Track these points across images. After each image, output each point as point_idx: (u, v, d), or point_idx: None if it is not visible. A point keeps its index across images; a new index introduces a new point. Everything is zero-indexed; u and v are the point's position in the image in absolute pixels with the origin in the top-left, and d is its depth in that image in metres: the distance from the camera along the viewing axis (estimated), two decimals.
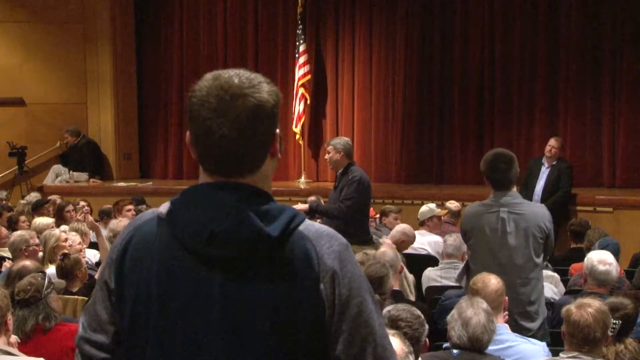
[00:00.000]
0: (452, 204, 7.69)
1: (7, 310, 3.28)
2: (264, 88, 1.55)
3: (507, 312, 3.83)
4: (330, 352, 1.52)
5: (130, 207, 7.41)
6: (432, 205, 7.12)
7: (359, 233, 6.03)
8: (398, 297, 4.44)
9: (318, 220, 6.05)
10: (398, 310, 3.17)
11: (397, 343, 2.73)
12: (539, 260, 4.24)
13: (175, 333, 1.52)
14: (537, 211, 4.29)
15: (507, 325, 3.73)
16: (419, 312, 3.35)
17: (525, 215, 4.19)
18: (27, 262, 4.39)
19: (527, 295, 4.16)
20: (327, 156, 6.32)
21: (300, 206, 6.11)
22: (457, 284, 5.31)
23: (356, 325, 1.52)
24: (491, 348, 3.40)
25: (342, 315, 1.52)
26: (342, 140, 6.39)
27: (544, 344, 3.68)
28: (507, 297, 3.81)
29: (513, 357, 3.53)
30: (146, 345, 1.54)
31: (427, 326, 3.32)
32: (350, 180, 6.09)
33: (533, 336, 4.04)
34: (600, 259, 4.43)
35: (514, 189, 4.30)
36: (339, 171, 6.25)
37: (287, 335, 1.49)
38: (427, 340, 3.37)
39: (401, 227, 6.36)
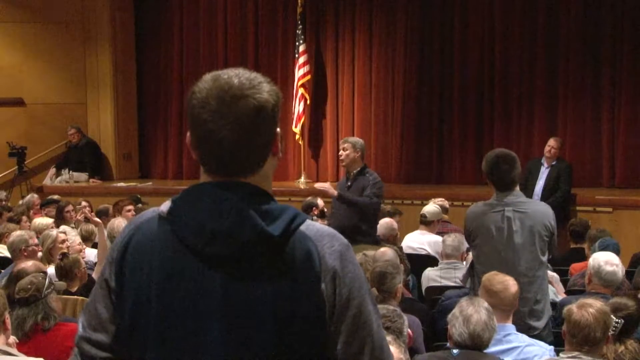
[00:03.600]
0: (446, 203, 7.60)
1: (5, 310, 3.27)
2: (264, 88, 1.53)
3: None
4: (329, 351, 1.52)
5: (130, 207, 7.42)
6: (439, 204, 7.09)
7: (372, 232, 6.10)
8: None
9: (324, 222, 6.05)
10: None
11: (393, 350, 2.73)
12: (544, 258, 4.24)
13: (176, 332, 1.51)
14: (542, 210, 4.28)
15: (514, 325, 3.72)
16: (393, 307, 3.36)
17: (531, 214, 4.18)
18: (29, 263, 4.38)
19: (533, 293, 4.16)
20: (343, 153, 6.27)
21: (324, 186, 6.11)
22: (457, 285, 5.31)
23: (355, 325, 1.53)
24: (497, 348, 3.39)
25: (342, 316, 1.52)
26: (360, 141, 6.41)
27: (551, 347, 3.65)
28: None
29: (518, 358, 3.52)
30: (147, 344, 1.53)
31: (405, 317, 3.33)
32: (374, 180, 6.18)
33: (539, 335, 4.03)
34: (607, 260, 4.42)
35: (517, 188, 4.29)
36: (355, 171, 6.24)
37: (287, 334, 1.49)
38: (409, 331, 3.37)
39: (385, 222, 6.38)
